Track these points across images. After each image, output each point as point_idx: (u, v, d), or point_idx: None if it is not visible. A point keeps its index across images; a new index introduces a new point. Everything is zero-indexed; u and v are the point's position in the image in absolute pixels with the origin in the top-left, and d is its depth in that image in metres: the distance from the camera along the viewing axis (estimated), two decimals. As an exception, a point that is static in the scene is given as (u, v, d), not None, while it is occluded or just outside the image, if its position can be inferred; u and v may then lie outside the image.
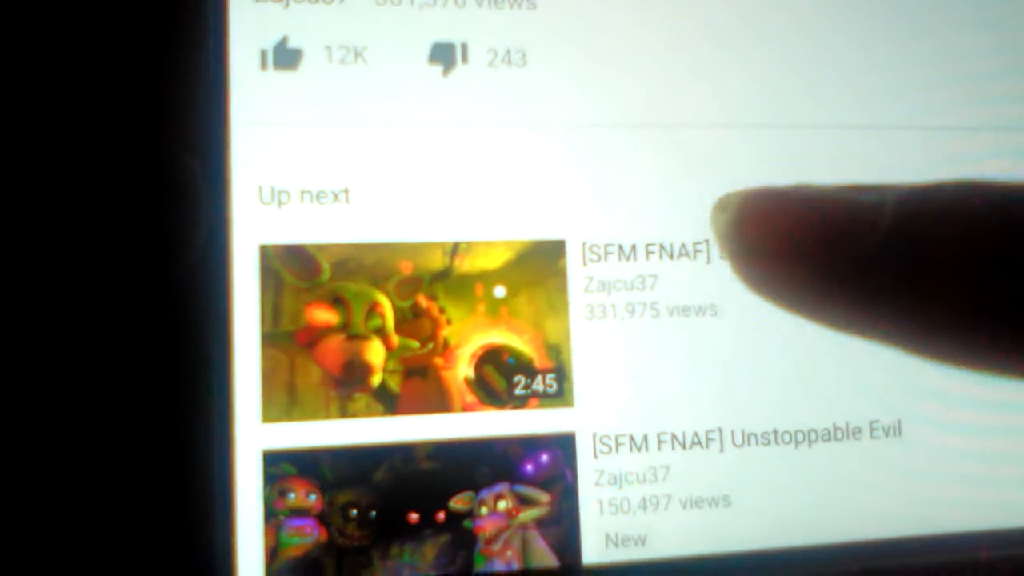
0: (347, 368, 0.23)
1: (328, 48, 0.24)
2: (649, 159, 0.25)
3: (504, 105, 0.24)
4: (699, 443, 0.25)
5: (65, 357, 0.21)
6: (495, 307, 0.24)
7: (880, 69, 0.27)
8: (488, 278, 0.24)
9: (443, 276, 0.24)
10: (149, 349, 0.22)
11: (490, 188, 0.24)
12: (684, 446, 0.24)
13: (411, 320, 0.24)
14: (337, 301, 0.23)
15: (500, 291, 0.24)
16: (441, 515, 0.23)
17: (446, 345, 0.24)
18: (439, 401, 0.23)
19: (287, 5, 0.24)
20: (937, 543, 0.25)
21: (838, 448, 0.25)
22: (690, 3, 0.26)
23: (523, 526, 0.24)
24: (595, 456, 0.24)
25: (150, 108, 0.22)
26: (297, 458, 0.23)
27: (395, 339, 0.23)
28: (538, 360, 0.24)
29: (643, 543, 0.24)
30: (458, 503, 0.23)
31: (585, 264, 0.24)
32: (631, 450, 0.24)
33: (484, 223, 0.24)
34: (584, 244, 0.25)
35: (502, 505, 0.23)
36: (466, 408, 0.24)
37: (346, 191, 0.23)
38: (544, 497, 0.24)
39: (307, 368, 0.23)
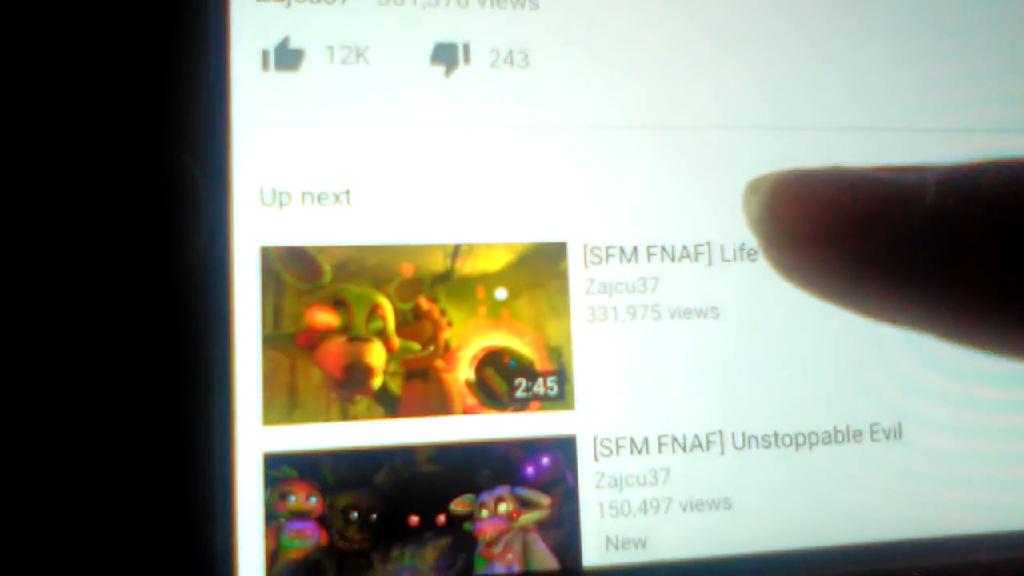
0: (348, 370, 0.23)
1: (330, 48, 0.24)
2: (651, 161, 0.25)
3: (506, 106, 0.24)
4: (700, 446, 0.25)
5: (67, 358, 0.21)
6: (496, 309, 0.24)
7: (879, 71, 0.27)
8: (489, 280, 0.24)
9: (444, 278, 0.24)
10: (150, 351, 0.22)
11: (492, 190, 0.24)
12: (685, 449, 0.24)
13: (412, 322, 0.24)
14: (338, 303, 0.23)
15: (501, 293, 0.24)
16: (442, 518, 0.23)
17: (447, 347, 0.24)
18: (440, 403, 0.23)
19: (289, 5, 0.24)
20: (937, 546, 0.25)
21: (839, 451, 0.25)
22: (692, 4, 0.26)
23: (524, 529, 0.24)
24: (596, 459, 0.24)
25: (151, 109, 0.22)
26: (298, 461, 0.23)
27: (396, 341, 0.23)
28: (539, 362, 0.24)
29: (643, 546, 0.24)
30: (459, 506, 0.23)
31: (586, 266, 0.24)
32: (632, 453, 0.24)
33: (485, 225, 0.24)
34: (585, 246, 0.24)
35: (503, 508, 0.23)
36: (467, 411, 0.24)
37: (347, 192, 0.23)
38: (545, 500, 0.24)
39: (308, 370, 0.23)
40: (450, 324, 0.24)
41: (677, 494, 0.24)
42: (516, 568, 0.23)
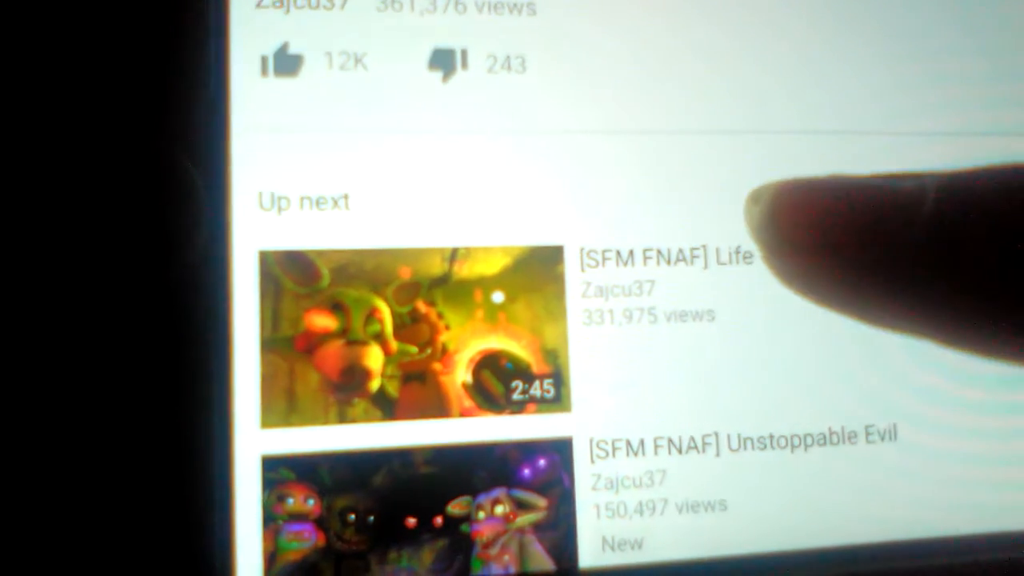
0: (346, 373, 0.23)
1: (328, 54, 0.24)
2: (646, 165, 0.25)
3: (503, 111, 0.24)
4: (695, 448, 0.25)
5: (65, 362, 0.21)
6: (493, 312, 0.24)
7: (873, 74, 0.27)
8: (486, 284, 0.24)
9: (442, 282, 0.24)
10: (149, 354, 0.22)
11: (488, 194, 0.24)
12: (680, 451, 0.25)
13: (410, 325, 0.24)
14: (336, 307, 0.23)
15: (498, 297, 0.24)
16: (439, 520, 0.23)
17: (444, 350, 0.24)
18: (437, 406, 0.24)
19: (288, 11, 0.24)
20: (933, 547, 0.25)
21: (834, 452, 0.25)
22: (689, 10, 0.26)
23: (520, 530, 0.24)
24: (592, 461, 0.24)
25: (151, 113, 0.22)
26: (296, 463, 0.23)
27: (394, 344, 0.24)
28: (536, 365, 0.24)
29: (640, 547, 0.24)
30: (456, 508, 0.23)
31: (583, 270, 0.25)
32: (628, 455, 0.24)
33: (483, 229, 0.24)
34: (582, 250, 0.25)
35: (499, 510, 0.24)
36: (464, 413, 0.24)
37: (346, 197, 0.24)
38: (541, 501, 0.24)
39: (306, 373, 0.23)
40: (447, 327, 0.24)
41: (673, 496, 0.24)
42: (513, 569, 0.23)
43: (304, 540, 0.23)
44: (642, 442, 0.24)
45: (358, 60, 0.24)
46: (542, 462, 0.24)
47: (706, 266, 0.25)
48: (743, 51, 0.26)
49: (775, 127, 0.26)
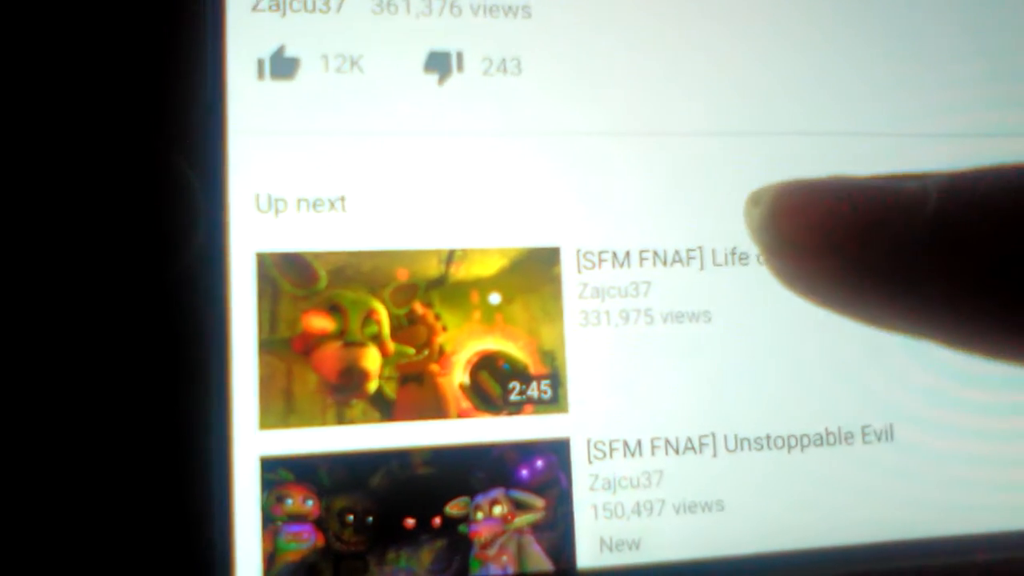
0: (344, 375, 0.23)
1: (325, 57, 0.24)
2: (642, 166, 0.25)
3: (499, 113, 0.25)
4: (692, 448, 0.25)
5: (64, 364, 0.21)
6: (490, 314, 0.24)
7: (867, 76, 0.27)
8: (483, 285, 0.24)
9: (439, 283, 0.24)
10: (148, 356, 0.22)
11: (485, 195, 0.24)
12: (677, 451, 0.25)
13: (407, 327, 0.24)
14: (334, 308, 0.23)
15: (495, 298, 0.24)
16: (437, 520, 0.23)
17: (442, 352, 0.24)
18: (435, 407, 0.24)
19: (284, 15, 0.24)
20: (929, 547, 0.25)
21: (830, 453, 0.25)
22: (682, 12, 0.26)
23: (518, 531, 0.24)
24: (589, 461, 0.24)
25: (149, 117, 0.22)
26: (294, 464, 0.23)
27: (391, 346, 0.24)
28: (533, 366, 0.24)
29: (637, 547, 0.24)
30: (454, 508, 0.23)
31: (579, 271, 0.25)
32: (625, 455, 0.24)
33: (479, 230, 0.24)
34: (578, 251, 0.25)
35: (497, 510, 0.24)
36: (462, 414, 0.24)
37: (342, 199, 0.24)
38: (539, 502, 0.24)
39: (304, 375, 0.23)
40: (445, 328, 0.24)
41: (670, 496, 0.24)
42: (511, 570, 0.23)
43: (303, 541, 0.23)
44: (639, 443, 0.24)
45: (354, 63, 0.24)
46: (540, 463, 0.24)
47: (702, 267, 0.25)
48: (739, 52, 0.26)
49: (771, 128, 0.26)
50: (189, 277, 0.22)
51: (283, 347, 0.23)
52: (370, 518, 0.23)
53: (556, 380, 0.24)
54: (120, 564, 0.21)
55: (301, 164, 0.23)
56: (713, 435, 0.25)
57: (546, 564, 0.24)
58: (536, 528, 0.24)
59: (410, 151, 0.24)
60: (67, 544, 0.21)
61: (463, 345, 0.24)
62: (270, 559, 0.22)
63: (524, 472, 0.24)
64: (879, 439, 0.26)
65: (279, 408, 0.23)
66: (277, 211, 0.23)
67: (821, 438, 0.25)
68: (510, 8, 0.25)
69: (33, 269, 0.21)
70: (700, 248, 0.25)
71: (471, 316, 0.24)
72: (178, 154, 0.22)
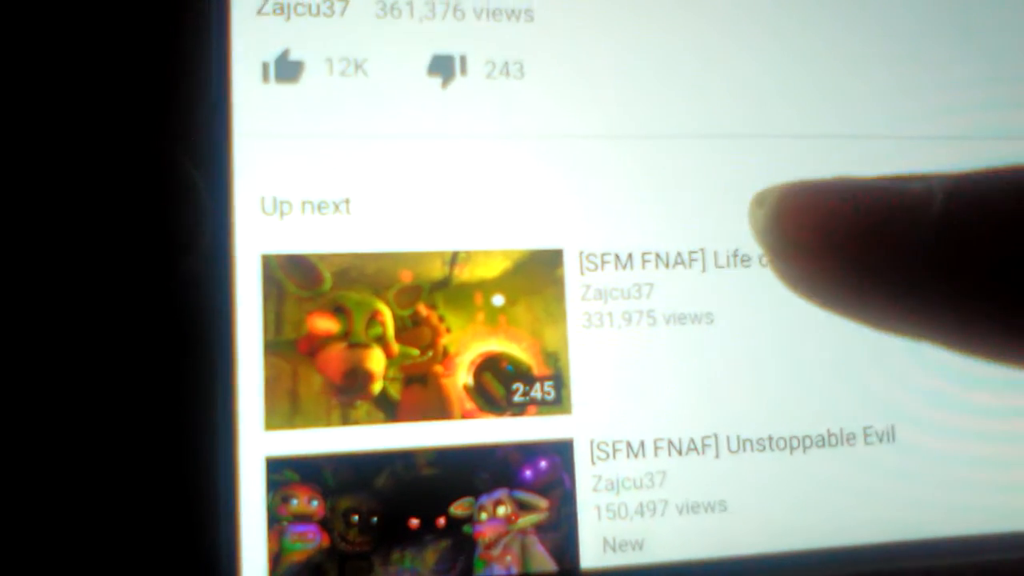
0: (348, 376, 0.23)
1: (329, 60, 0.24)
2: (644, 169, 0.25)
3: (502, 116, 0.25)
4: (695, 449, 0.25)
5: (71, 365, 0.21)
6: (494, 315, 0.24)
7: (894, 80, 0.27)
8: (487, 287, 0.24)
9: (442, 285, 0.24)
10: (153, 357, 0.22)
11: (488, 198, 0.24)
12: (680, 452, 0.25)
13: (411, 328, 0.24)
14: (338, 310, 0.23)
15: (499, 300, 0.24)
16: (441, 521, 0.23)
17: (445, 353, 0.24)
18: (439, 408, 0.24)
19: (289, 18, 0.24)
20: (930, 547, 0.25)
21: (832, 453, 0.25)
22: (686, 14, 0.26)
23: (522, 531, 0.24)
24: (593, 462, 0.24)
25: (155, 120, 0.22)
26: (300, 465, 0.23)
27: (395, 347, 0.24)
28: (536, 368, 0.24)
29: (640, 548, 0.24)
30: (458, 509, 0.23)
31: (582, 273, 0.25)
32: (628, 456, 0.24)
33: (483, 233, 0.24)
34: (581, 253, 0.25)
35: (501, 511, 0.24)
36: (465, 415, 0.24)
37: (347, 201, 0.24)
38: (543, 503, 0.24)
39: (309, 376, 0.23)
40: (448, 330, 0.24)
41: (673, 497, 0.24)
42: (515, 570, 0.24)
43: (308, 541, 0.23)
44: (642, 443, 0.24)
45: (358, 66, 0.24)
46: (543, 463, 0.24)
47: (704, 269, 0.25)
48: (741, 55, 0.26)
49: (772, 131, 0.26)
50: (195, 279, 0.22)
51: (288, 348, 0.23)
52: (375, 518, 0.23)
53: (559, 381, 0.24)
54: (126, 564, 0.21)
55: (306, 167, 0.24)
56: (716, 436, 0.25)
57: (550, 564, 0.24)
58: (540, 529, 0.24)
59: (414, 154, 0.24)
60: (73, 544, 0.21)
61: (467, 346, 0.24)
62: (275, 559, 0.22)
63: (528, 473, 0.24)
64: (881, 440, 0.26)
65: (284, 409, 0.23)
66: (282, 213, 0.23)
67: (823, 439, 0.25)
68: (513, 12, 0.25)
69: (40, 270, 0.21)
70: (702, 250, 0.25)
71: (475, 318, 0.24)
72: (184, 157, 0.22)
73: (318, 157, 0.24)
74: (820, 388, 0.26)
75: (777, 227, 0.14)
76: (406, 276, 0.24)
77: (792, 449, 0.25)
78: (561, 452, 0.24)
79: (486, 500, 0.24)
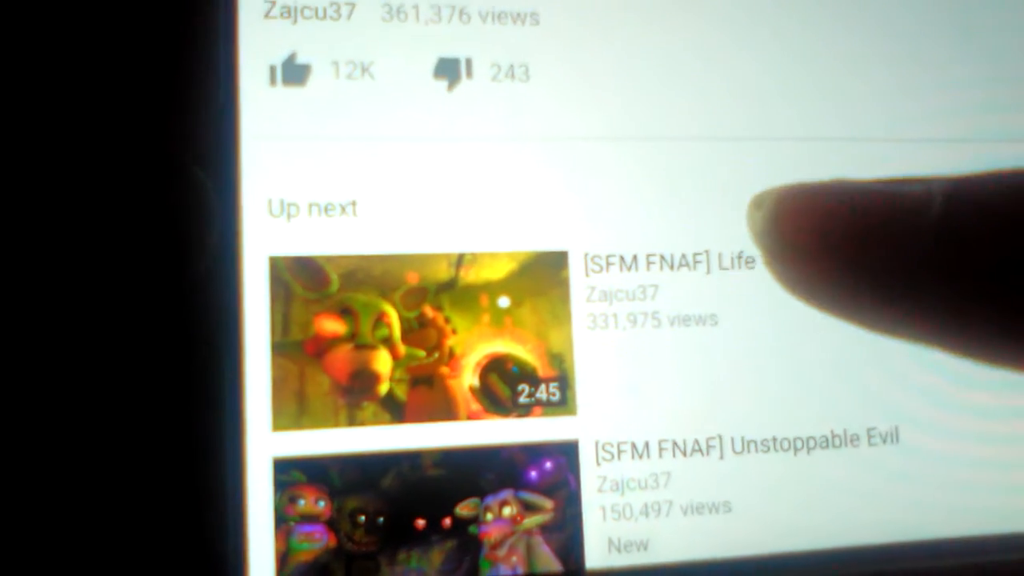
0: (355, 377, 0.23)
1: (335, 64, 0.24)
2: (649, 171, 0.25)
3: (508, 119, 0.25)
4: (699, 450, 0.25)
5: (79, 367, 0.21)
6: (499, 317, 0.24)
7: (895, 82, 0.27)
8: (492, 288, 0.24)
9: (449, 287, 0.24)
10: (161, 358, 0.22)
11: (494, 200, 0.24)
12: (685, 453, 0.25)
13: (417, 330, 0.24)
14: (345, 311, 0.24)
15: (504, 301, 0.24)
16: (447, 521, 0.23)
17: (451, 354, 0.24)
18: (445, 409, 0.24)
19: (295, 22, 0.24)
20: (934, 548, 0.25)
21: (836, 455, 0.25)
22: (694, 17, 0.26)
23: (528, 532, 0.24)
24: (598, 463, 0.24)
25: (163, 123, 0.22)
26: (306, 465, 0.23)
27: (402, 348, 0.24)
28: (541, 369, 0.24)
29: (645, 548, 0.24)
30: (464, 509, 0.24)
31: (587, 275, 0.25)
32: (633, 457, 0.24)
33: (488, 234, 0.24)
34: (586, 255, 0.25)
35: (507, 511, 0.24)
36: (471, 416, 0.24)
37: (354, 204, 0.24)
38: (548, 503, 0.24)
39: (316, 377, 0.23)
40: (454, 331, 0.24)
41: (678, 497, 0.25)
42: (520, 570, 0.24)
43: (315, 541, 0.23)
44: (647, 444, 0.25)
45: (364, 69, 0.24)
46: (548, 464, 0.24)
47: (709, 271, 0.25)
48: (746, 58, 0.26)
49: (778, 133, 0.26)
50: (203, 281, 0.22)
51: (295, 350, 0.23)
52: (381, 519, 0.23)
53: (564, 382, 0.24)
54: (134, 563, 0.21)
55: (313, 169, 0.24)
56: (720, 437, 0.25)
57: (555, 565, 0.24)
58: (545, 529, 0.24)
59: (420, 156, 0.24)
60: (81, 543, 0.21)
61: (472, 348, 0.24)
62: (283, 559, 0.23)
63: (533, 474, 0.24)
64: (884, 441, 0.26)
65: (291, 410, 0.23)
66: (289, 215, 0.23)
67: (827, 440, 0.25)
68: (518, 15, 0.25)
69: (49, 273, 0.22)
70: (707, 252, 0.25)
71: (480, 319, 0.24)
72: (192, 159, 0.22)
73: (325, 159, 0.24)
74: (824, 389, 0.26)
75: (775, 229, 0.14)
76: (412, 278, 0.24)
77: (796, 450, 0.25)
78: (566, 453, 0.24)
79: (492, 501, 0.24)
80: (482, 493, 0.24)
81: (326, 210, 0.24)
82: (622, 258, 0.25)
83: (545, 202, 0.25)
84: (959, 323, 0.13)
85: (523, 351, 0.24)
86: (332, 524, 0.23)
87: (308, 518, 0.23)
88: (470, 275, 0.24)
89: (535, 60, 0.25)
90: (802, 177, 0.26)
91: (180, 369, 0.22)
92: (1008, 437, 0.26)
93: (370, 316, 0.24)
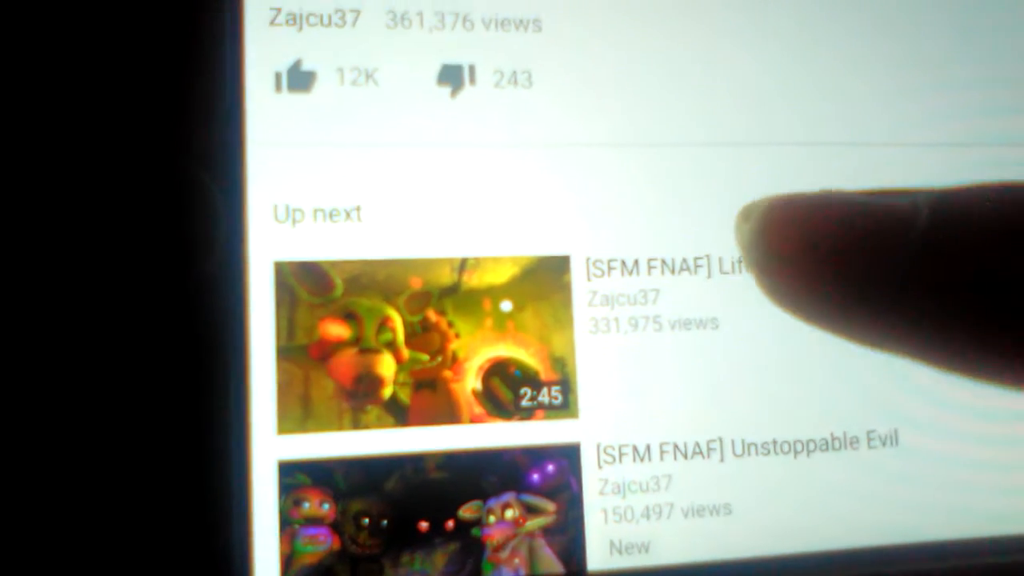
0: (359, 381, 0.24)
1: (340, 70, 0.24)
2: (650, 176, 0.25)
3: (510, 125, 0.25)
4: (700, 453, 0.25)
5: (87, 370, 0.22)
6: (502, 321, 0.24)
7: (896, 87, 0.27)
8: (495, 293, 0.24)
9: (452, 291, 0.24)
10: (168, 363, 0.22)
11: (497, 205, 0.25)
12: (686, 456, 0.25)
13: (421, 334, 0.24)
14: (349, 316, 0.24)
15: (507, 305, 0.24)
16: (450, 524, 0.24)
17: (454, 358, 0.24)
18: (448, 413, 0.24)
19: (301, 29, 0.24)
20: (934, 550, 0.26)
21: (836, 457, 0.25)
22: (695, 23, 0.26)
23: (530, 534, 0.24)
24: (599, 466, 0.24)
25: (171, 129, 0.23)
26: (311, 468, 0.23)
27: (405, 352, 0.24)
28: (544, 373, 0.24)
29: (646, 550, 0.24)
30: (467, 512, 0.24)
31: (589, 279, 0.25)
32: (634, 460, 0.25)
33: (491, 239, 0.25)
34: (588, 260, 0.25)
35: (509, 514, 0.24)
36: (474, 419, 0.24)
37: (358, 209, 0.24)
38: (550, 506, 0.24)
39: (321, 381, 0.23)
40: (457, 336, 0.24)
41: (679, 500, 0.25)
42: (523, 572, 0.24)
43: (320, 543, 0.23)
44: (648, 447, 0.25)
45: (369, 76, 0.24)
46: (551, 467, 0.24)
47: (709, 275, 0.25)
48: (747, 64, 0.26)
49: (777, 139, 0.26)
50: (209, 285, 0.22)
51: (300, 354, 0.23)
52: (385, 521, 0.23)
53: (566, 386, 0.25)
54: (141, 565, 0.22)
55: (317, 175, 0.24)
56: (720, 440, 0.25)
57: (557, 567, 0.24)
58: (547, 531, 0.24)
59: (424, 162, 0.24)
60: (88, 545, 0.21)
61: (475, 352, 0.24)
62: (287, 561, 0.23)
63: (535, 476, 0.24)
64: (884, 444, 0.26)
65: (296, 413, 0.23)
66: (294, 221, 0.24)
67: (827, 443, 0.26)
68: (521, 22, 0.25)
69: (54, 277, 0.22)
70: (707, 256, 0.25)
71: (483, 323, 0.24)
72: (198, 165, 0.23)
73: (329, 165, 0.24)
74: (823, 392, 0.26)
75: (763, 240, 0.14)
76: (416, 282, 0.24)
77: (796, 453, 0.25)
78: (568, 456, 0.24)
79: (494, 503, 0.24)
80: (485, 496, 0.24)
81: (331, 215, 0.24)
82: (624, 263, 0.25)
83: (547, 207, 0.25)
84: (943, 338, 0.13)
85: (525, 355, 0.24)
86: (336, 527, 0.23)
87: (312, 521, 0.23)
88: (473, 279, 0.24)
89: (538, 67, 0.25)
90: (802, 182, 0.26)
91: (186, 373, 0.22)
92: (1007, 439, 0.27)
93: (374, 320, 0.24)
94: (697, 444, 0.25)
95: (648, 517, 0.24)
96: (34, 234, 0.22)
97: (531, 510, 0.24)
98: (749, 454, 0.25)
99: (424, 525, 0.23)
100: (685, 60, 0.26)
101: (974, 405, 0.26)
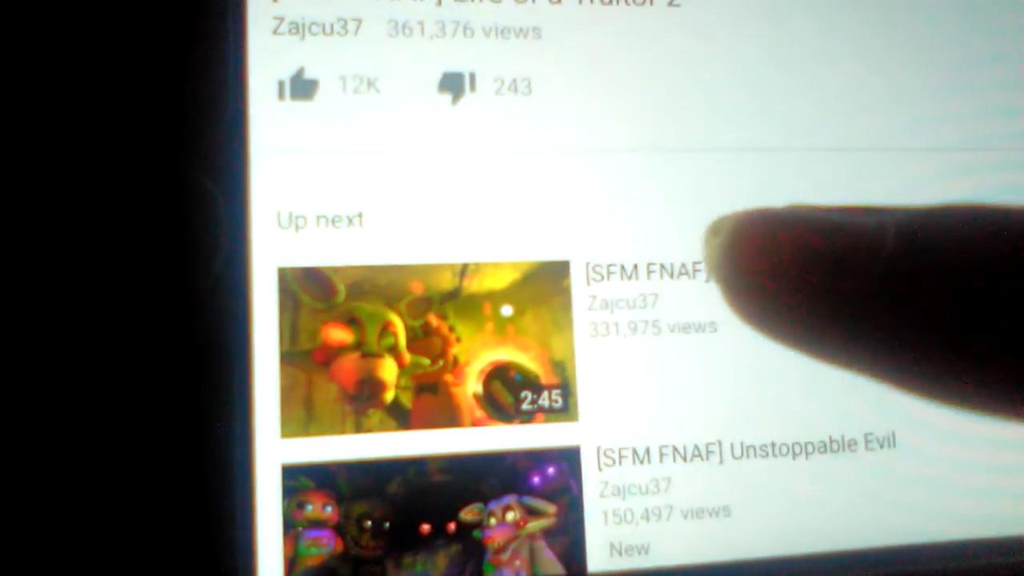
0: (361, 385, 0.24)
1: (343, 78, 0.25)
2: (649, 182, 0.26)
3: (510, 131, 0.25)
4: (700, 455, 0.25)
5: (93, 375, 0.22)
6: (503, 325, 0.25)
7: (887, 91, 0.27)
8: (496, 297, 0.25)
9: (453, 296, 0.24)
10: (173, 367, 0.22)
11: (497, 211, 0.25)
12: (685, 458, 0.25)
13: (422, 338, 0.24)
14: (352, 321, 0.24)
15: (507, 310, 0.25)
16: (452, 526, 0.24)
17: (456, 362, 0.24)
18: (449, 416, 0.24)
19: (303, 38, 0.24)
20: (931, 552, 0.26)
21: (834, 459, 0.26)
22: (689, 32, 0.26)
23: (530, 536, 0.24)
24: (599, 468, 0.25)
25: (175, 137, 0.23)
26: (314, 471, 0.23)
27: (407, 357, 0.24)
28: (544, 376, 0.25)
29: (646, 552, 0.24)
30: (468, 514, 0.24)
31: (589, 283, 0.25)
32: (634, 462, 0.25)
33: (492, 245, 0.25)
34: (588, 264, 0.25)
35: (510, 516, 0.24)
36: (475, 423, 0.24)
37: (360, 215, 0.24)
38: (551, 508, 0.24)
39: (323, 385, 0.24)
40: (458, 340, 0.24)
41: (678, 502, 0.25)
42: (524, 574, 0.24)
43: (323, 546, 0.23)
44: (648, 450, 0.25)
45: (371, 84, 0.25)
46: (551, 470, 0.24)
47: (708, 279, 0.26)
48: (743, 69, 0.26)
49: (774, 144, 0.26)
50: (214, 291, 0.23)
51: (303, 358, 0.24)
52: (387, 524, 0.23)
53: (567, 390, 0.25)
54: (147, 567, 0.22)
55: (320, 182, 0.24)
56: (720, 443, 0.25)
57: (557, 569, 0.24)
58: (548, 534, 0.24)
59: (425, 168, 0.25)
60: (95, 547, 0.22)
61: (476, 356, 0.24)
62: (291, 563, 0.23)
63: (536, 479, 0.24)
64: (881, 446, 0.26)
65: (300, 417, 0.23)
66: (297, 227, 0.24)
67: (825, 445, 0.26)
68: (521, 30, 0.25)
69: (63, 283, 0.22)
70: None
71: (484, 328, 0.25)
72: (203, 173, 0.23)
73: (332, 172, 0.24)
74: (822, 395, 0.26)
75: (732, 257, 0.14)
76: (417, 288, 0.24)
77: (795, 455, 0.25)
78: (568, 459, 0.24)
79: (495, 506, 0.24)
80: (486, 498, 0.24)
81: (333, 222, 0.24)
82: (623, 267, 0.25)
83: (547, 213, 0.25)
84: (909, 359, 0.13)
85: (526, 359, 0.25)
86: (339, 529, 0.23)
87: (316, 523, 0.23)
88: (474, 284, 0.25)
89: (537, 74, 0.25)
90: (796, 188, 0.26)
91: (190, 378, 0.22)
92: (1005, 441, 0.27)
93: (376, 325, 0.24)
94: (696, 447, 0.25)
95: (648, 519, 0.25)
96: (40, 241, 0.22)
97: (532, 512, 0.24)
98: (748, 456, 0.25)
99: (426, 527, 0.24)
100: (681, 67, 0.26)
101: (972, 407, 0.26)
